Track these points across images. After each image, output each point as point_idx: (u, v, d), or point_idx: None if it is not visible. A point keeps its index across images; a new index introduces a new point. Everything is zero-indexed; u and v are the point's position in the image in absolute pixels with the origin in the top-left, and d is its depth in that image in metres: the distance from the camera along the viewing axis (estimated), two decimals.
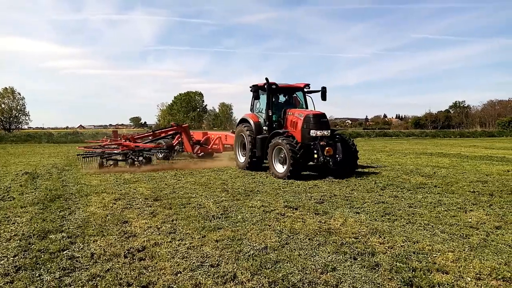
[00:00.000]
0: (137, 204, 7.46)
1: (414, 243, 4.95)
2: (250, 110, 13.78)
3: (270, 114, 12.50)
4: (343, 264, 4.24)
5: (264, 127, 12.76)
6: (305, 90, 13.11)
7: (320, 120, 11.31)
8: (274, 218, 6.25)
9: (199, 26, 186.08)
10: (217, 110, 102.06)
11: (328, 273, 4.00)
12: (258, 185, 9.70)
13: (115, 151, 15.14)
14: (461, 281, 3.81)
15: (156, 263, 4.34)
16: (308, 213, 6.60)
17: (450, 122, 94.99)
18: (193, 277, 3.94)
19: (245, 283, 3.80)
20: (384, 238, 5.19)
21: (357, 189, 9.03)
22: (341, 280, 3.83)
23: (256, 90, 13.08)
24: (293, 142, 10.82)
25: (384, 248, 4.79)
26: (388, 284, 3.75)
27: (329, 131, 11.31)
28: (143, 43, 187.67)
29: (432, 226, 5.79)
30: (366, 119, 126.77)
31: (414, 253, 4.60)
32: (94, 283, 3.82)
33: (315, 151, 10.77)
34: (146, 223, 6.06)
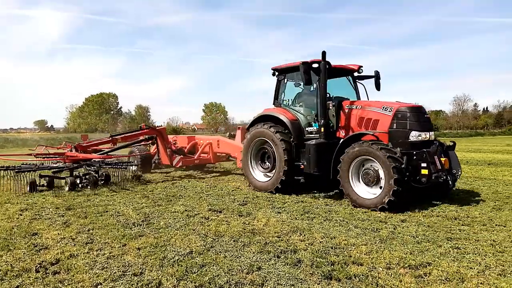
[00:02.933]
0: (47, 214, 6.90)
1: (332, 239, 5.27)
2: (274, 104, 9.77)
3: (331, 106, 8.50)
4: (267, 263, 4.37)
5: (310, 128, 8.86)
6: (357, 74, 9.57)
7: (423, 116, 7.69)
8: (198, 222, 6.21)
9: (113, 25, 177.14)
10: (133, 113, 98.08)
11: (254, 273, 4.09)
12: (180, 190, 9.55)
13: (55, 165, 11.01)
14: (374, 271, 4.15)
15: (73, 276, 4.07)
16: (232, 215, 6.66)
17: None
18: None
19: None
20: (305, 235, 5.44)
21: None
22: (266, 279, 3.94)
23: (287, 72, 9.48)
24: (395, 152, 6.92)
25: (305, 245, 5.03)
26: (310, 279, 3.94)
27: (433, 133, 7.83)
28: (51, 41, 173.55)
29: (347, 222, 6.20)
30: None
31: (332, 248, 4.89)
32: None
33: (423, 165, 7.02)
34: (58, 234, 5.63)
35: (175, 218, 6.48)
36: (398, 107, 7.66)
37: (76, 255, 4.72)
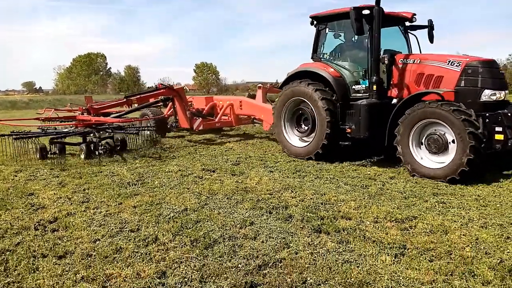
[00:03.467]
0: (42, 175, 6.97)
1: (322, 195, 5.44)
2: (313, 58, 8.56)
3: (387, 61, 7.34)
4: (259, 218, 4.53)
5: (357, 86, 7.81)
6: (408, 24, 8.36)
7: (497, 72, 6.76)
8: (192, 181, 6.33)
9: None
10: (122, 74, 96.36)
11: (247, 227, 4.25)
12: (174, 150, 9.62)
13: (65, 130, 9.72)
14: (362, 225, 4.33)
15: (71, 233, 4.20)
16: (225, 175, 6.79)
17: None
18: (113, 243, 3.91)
19: (167, 243, 3.88)
20: (296, 192, 5.60)
21: (270, 150, 9.45)
22: (259, 233, 4.10)
23: (329, 20, 8.31)
24: (470, 114, 5.97)
25: (296, 201, 5.19)
26: (300, 232, 4.12)
27: (507, 92, 6.78)
28: None
29: (337, 179, 6.37)
30: (277, 82, 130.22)
31: (322, 204, 5.06)
32: (4, 258, 3.59)
33: (498, 129, 6.13)
34: (54, 194, 5.73)
35: (169, 178, 6.60)
36: (468, 61, 6.60)
37: (73, 213, 4.84)
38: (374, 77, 7.21)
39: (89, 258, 3.59)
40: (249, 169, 7.23)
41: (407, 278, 3.15)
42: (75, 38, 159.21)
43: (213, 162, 8.02)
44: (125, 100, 11.07)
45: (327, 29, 8.41)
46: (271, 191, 5.70)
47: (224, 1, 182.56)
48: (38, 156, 8.34)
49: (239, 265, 3.41)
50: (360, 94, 7.71)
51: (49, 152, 8.52)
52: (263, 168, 7.30)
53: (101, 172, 7.12)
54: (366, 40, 7.63)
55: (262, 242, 3.88)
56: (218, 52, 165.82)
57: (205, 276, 3.25)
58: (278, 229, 4.21)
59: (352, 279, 3.15)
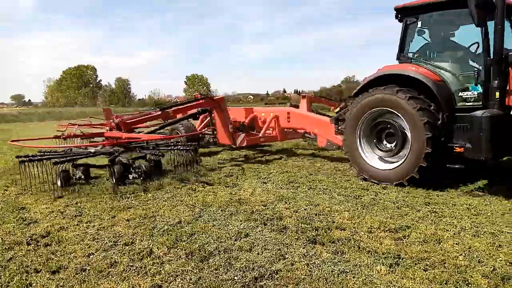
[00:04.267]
0: (33, 189, 6.88)
1: (316, 206, 5.46)
2: (399, 58, 7.16)
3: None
4: (254, 230, 4.53)
5: (465, 93, 6.24)
6: None
7: None
8: (186, 194, 6.31)
9: None
10: (113, 86, 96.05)
11: (242, 239, 4.25)
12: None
13: (91, 150, 7.93)
14: (356, 235, 4.36)
15: (65, 247, 4.16)
16: (219, 187, 6.79)
17: (342, 96, 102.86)
18: (107, 257, 3.87)
19: (162, 256, 3.86)
20: (290, 203, 5.62)
21: (264, 161, 9.47)
22: (254, 244, 4.10)
23: (424, 11, 6.83)
24: None
25: (290, 212, 5.20)
26: (295, 244, 4.13)
27: None
28: (22, 9, 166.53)
29: (330, 190, 6.40)
30: (267, 94, 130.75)
31: (316, 214, 5.08)
32: None
33: None
34: (46, 208, 5.67)
35: (162, 190, 6.57)
36: None
37: (66, 227, 4.79)
38: (496, 82, 5.74)
39: (83, 273, 3.55)
40: (243, 181, 7.23)
41: None
42: (66, 50, 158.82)
43: (206, 174, 8.00)
44: (160, 112, 9.73)
45: (419, 22, 6.95)
46: (265, 202, 5.71)
47: (214, 14, 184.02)
48: (59, 183, 6.76)
49: (235, 278, 3.40)
50: (470, 103, 6.15)
51: (73, 177, 7.07)
52: (257, 180, 7.31)
53: (93, 186, 7.05)
54: (481, 34, 6.06)
55: (258, 254, 3.88)
56: (209, 64, 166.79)
57: None
58: (273, 240, 4.21)
59: None
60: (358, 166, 7.12)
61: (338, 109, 8.55)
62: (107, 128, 10.05)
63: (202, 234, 4.44)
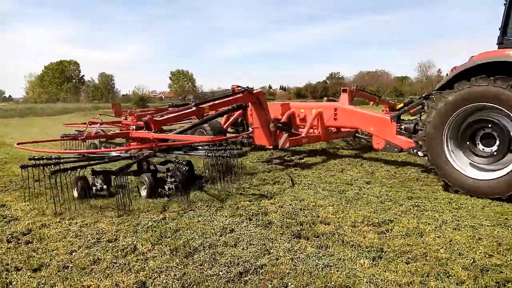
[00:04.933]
0: (15, 186, 6.75)
1: (300, 201, 5.49)
2: (502, 43, 6.09)
3: None
4: (239, 226, 4.53)
5: None
6: None
7: None
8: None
9: None
10: (96, 81, 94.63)
11: (227, 235, 4.25)
12: None
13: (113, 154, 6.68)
14: (340, 229, 4.40)
15: (47, 245, 4.09)
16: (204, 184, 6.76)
17: (328, 92, 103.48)
18: (90, 254, 3.83)
19: (146, 253, 3.84)
20: (275, 199, 5.64)
21: (251, 159, 9.46)
22: (239, 239, 4.11)
23: None
24: None
25: (275, 207, 5.22)
26: (280, 238, 4.14)
27: None
28: (1, 2, 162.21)
29: (315, 185, 6.44)
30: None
31: (301, 209, 5.11)
32: None
33: None
34: (27, 205, 5.56)
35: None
36: None
37: (48, 225, 4.71)
38: None
39: (66, 270, 3.50)
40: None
41: (385, 281, 3.22)
42: (47, 45, 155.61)
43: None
44: (194, 109, 7.94)
45: None
46: (251, 198, 5.71)
47: (199, 8, 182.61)
48: (77, 193, 5.77)
49: (220, 273, 3.40)
50: None
51: (94, 188, 5.87)
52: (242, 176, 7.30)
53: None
54: None
55: (243, 249, 3.89)
56: (194, 59, 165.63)
57: (186, 284, 3.22)
58: (258, 235, 4.22)
59: (332, 283, 3.19)
60: (444, 174, 5.88)
61: (401, 105, 7.20)
62: (133, 127, 8.42)
63: (187, 230, 4.42)
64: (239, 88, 8.44)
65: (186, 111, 8.06)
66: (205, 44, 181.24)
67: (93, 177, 5.86)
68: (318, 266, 3.48)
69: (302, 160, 8.91)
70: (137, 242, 4.10)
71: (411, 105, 7.18)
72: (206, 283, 3.24)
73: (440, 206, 5.22)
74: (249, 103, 8.60)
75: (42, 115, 36.63)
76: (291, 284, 3.21)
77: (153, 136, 7.24)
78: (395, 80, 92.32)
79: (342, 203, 5.38)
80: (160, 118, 7.53)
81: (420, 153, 6.39)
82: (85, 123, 11.93)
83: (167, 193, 5.83)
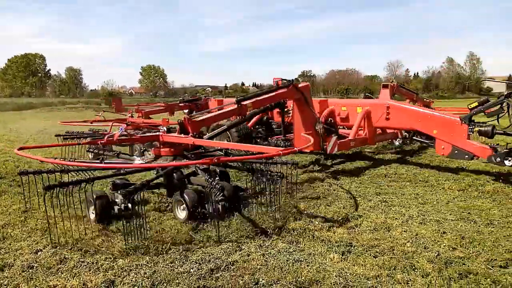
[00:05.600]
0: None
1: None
2: None
3: None
4: (211, 222, 4.51)
5: None
6: None
7: None
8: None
9: None
10: (63, 76, 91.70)
11: (198, 233, 4.21)
12: None
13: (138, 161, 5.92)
14: (311, 225, 4.45)
15: (10, 244, 3.95)
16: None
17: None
18: (57, 253, 3.72)
19: (115, 252, 3.76)
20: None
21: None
22: (210, 237, 4.09)
23: None
24: None
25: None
26: (251, 235, 4.15)
27: None
28: None
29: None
30: (226, 87, 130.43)
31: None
32: None
33: None
34: None
35: None
36: None
37: (13, 224, 4.54)
38: None
39: (31, 270, 3.40)
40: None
41: (354, 274, 3.30)
42: (11, 36, 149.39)
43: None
44: (235, 106, 6.44)
45: None
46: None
47: (171, 2, 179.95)
48: (92, 215, 4.57)
49: (191, 270, 3.38)
50: None
51: (117, 208, 4.33)
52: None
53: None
54: None
55: (214, 246, 3.88)
56: (165, 54, 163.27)
57: (156, 282, 3.19)
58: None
59: (303, 278, 3.24)
60: None
61: (474, 104, 5.91)
62: (163, 128, 6.34)
63: (157, 227, 4.37)
64: (284, 81, 7.23)
65: (227, 110, 6.62)
66: (177, 38, 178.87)
67: (113, 192, 4.44)
68: (288, 261, 3.52)
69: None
70: (106, 240, 4.01)
71: (486, 104, 6.25)
72: (177, 280, 3.21)
73: (407, 202, 5.37)
74: (286, 100, 7.49)
75: (6, 110, 35.20)
76: (262, 279, 3.23)
77: (194, 142, 5.59)
78: (365, 79, 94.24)
79: (313, 200, 5.43)
80: (200, 119, 6.04)
81: (508, 162, 5.58)
82: (86, 121, 11.12)
83: (215, 214, 4.30)
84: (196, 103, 11.78)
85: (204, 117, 6.27)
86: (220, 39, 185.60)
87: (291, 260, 3.54)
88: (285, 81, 7.20)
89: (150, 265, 3.47)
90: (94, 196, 4.48)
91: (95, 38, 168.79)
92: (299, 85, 7.18)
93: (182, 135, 5.81)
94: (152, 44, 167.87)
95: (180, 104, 11.76)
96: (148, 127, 9.40)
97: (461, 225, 4.44)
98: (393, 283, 3.17)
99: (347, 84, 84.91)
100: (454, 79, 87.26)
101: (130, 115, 11.41)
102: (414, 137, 9.12)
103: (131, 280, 3.22)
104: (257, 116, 9.04)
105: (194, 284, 3.15)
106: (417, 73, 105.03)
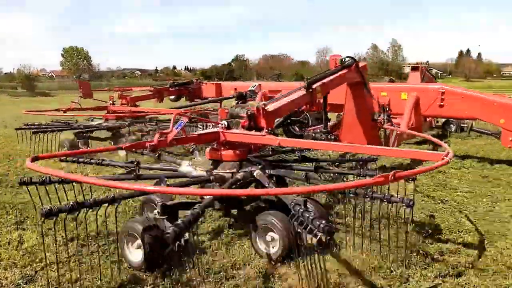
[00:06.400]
0: None
1: None
2: None
3: None
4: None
5: None
6: None
7: None
8: None
9: None
10: None
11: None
12: None
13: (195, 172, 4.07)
14: None
15: None
16: None
17: (233, 74, 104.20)
18: None
19: (36, 245, 3.51)
20: None
21: None
22: None
23: None
24: None
25: None
26: None
27: None
28: None
29: None
30: (156, 70, 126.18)
31: None
32: None
33: None
34: None
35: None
36: None
37: None
38: None
39: None
40: None
41: None
42: None
43: None
44: (305, 92, 4.89)
45: None
46: None
47: None
48: (139, 259, 3.07)
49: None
50: None
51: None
52: None
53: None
54: None
55: None
56: (90, 35, 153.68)
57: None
58: None
59: None
60: None
61: None
62: (224, 122, 4.26)
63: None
64: (347, 59, 5.72)
65: (298, 96, 4.90)
66: (102, 19, 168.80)
67: (163, 218, 3.03)
68: None
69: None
70: (23, 234, 3.70)
71: None
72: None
73: None
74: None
75: None
76: None
77: (280, 142, 4.05)
78: (297, 64, 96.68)
79: None
80: (273, 108, 4.45)
81: None
82: (58, 110, 8.67)
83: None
84: (187, 88, 10.48)
85: (277, 107, 4.54)
86: (146, 20, 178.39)
87: None
88: (348, 58, 5.74)
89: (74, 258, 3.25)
90: (140, 227, 2.99)
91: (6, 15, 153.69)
92: (360, 65, 5.91)
93: (253, 132, 4.04)
94: (73, 24, 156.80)
95: (171, 89, 10.34)
96: (137, 117, 8.46)
97: None
98: None
99: (280, 69, 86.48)
100: (378, 64, 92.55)
101: (111, 102, 9.25)
102: (473, 128, 8.08)
103: (53, 276, 3.00)
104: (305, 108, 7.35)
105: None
106: (344, 58, 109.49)
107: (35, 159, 3.07)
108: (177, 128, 3.89)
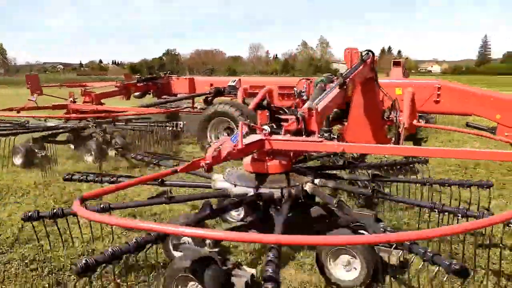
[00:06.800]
0: None
1: None
2: None
3: None
4: None
5: None
6: None
7: None
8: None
9: None
10: None
11: None
12: None
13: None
14: None
15: None
16: None
17: (164, 69, 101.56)
18: None
19: None
20: None
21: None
22: None
23: None
24: None
25: None
26: None
27: None
28: None
29: None
30: (81, 64, 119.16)
31: None
32: None
33: None
34: None
35: None
36: None
37: None
38: None
39: None
40: None
41: None
42: None
43: None
44: (340, 88, 4.49)
45: None
46: None
47: None
48: None
49: None
50: None
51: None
52: None
53: None
54: None
55: None
56: (4, 28, 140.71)
57: None
58: None
59: None
60: None
61: None
62: (267, 129, 3.56)
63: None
64: (366, 52, 5.28)
65: (335, 94, 4.34)
66: (19, 12, 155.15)
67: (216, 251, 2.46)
68: None
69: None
70: None
71: None
72: None
73: None
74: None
75: None
76: None
77: (344, 149, 3.32)
78: (229, 59, 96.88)
79: None
80: (321, 108, 3.86)
81: None
82: (11, 109, 7.67)
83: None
84: (156, 83, 9.60)
85: (323, 106, 3.96)
86: (69, 13, 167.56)
87: None
88: (367, 52, 5.27)
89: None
90: (196, 264, 2.28)
91: None
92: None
93: (309, 138, 3.47)
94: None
95: (139, 84, 9.40)
96: (103, 118, 6.98)
97: None
98: None
99: (212, 63, 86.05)
100: (308, 60, 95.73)
101: (71, 99, 8.26)
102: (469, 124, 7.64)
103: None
104: (259, 96, 7.17)
105: None
106: (276, 55, 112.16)
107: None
108: (234, 139, 3.09)
